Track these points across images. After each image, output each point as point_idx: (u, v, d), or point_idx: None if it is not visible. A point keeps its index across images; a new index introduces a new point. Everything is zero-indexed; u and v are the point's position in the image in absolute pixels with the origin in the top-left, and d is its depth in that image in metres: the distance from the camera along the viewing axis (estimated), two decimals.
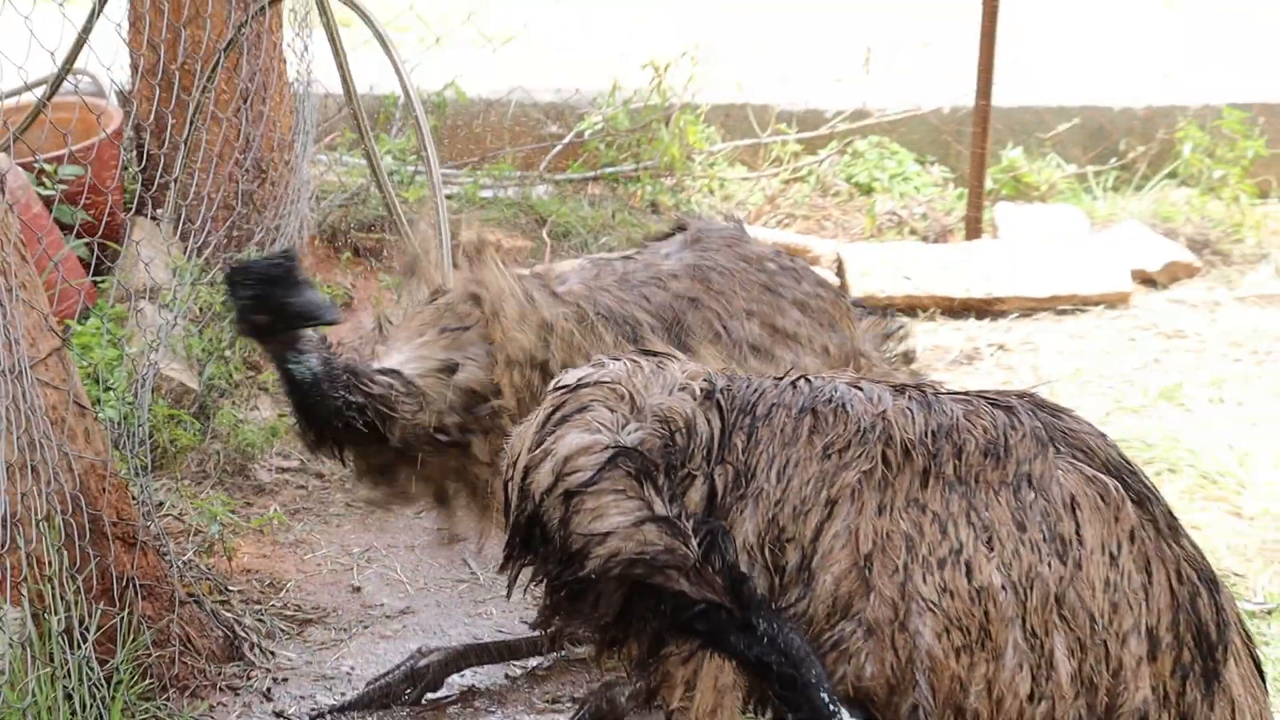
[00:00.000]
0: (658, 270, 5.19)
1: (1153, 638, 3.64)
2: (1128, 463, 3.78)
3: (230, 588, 5.77)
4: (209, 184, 7.04)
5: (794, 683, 3.50)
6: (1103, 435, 3.81)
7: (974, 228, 8.71)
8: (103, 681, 4.86)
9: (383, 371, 4.84)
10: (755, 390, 3.79)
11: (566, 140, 9.30)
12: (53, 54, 5.50)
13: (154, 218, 7.19)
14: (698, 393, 3.77)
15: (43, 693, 4.62)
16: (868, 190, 9.17)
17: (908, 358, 5.58)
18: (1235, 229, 8.86)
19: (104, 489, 5.12)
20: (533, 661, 5.49)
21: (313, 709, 5.25)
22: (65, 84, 6.70)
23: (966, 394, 3.82)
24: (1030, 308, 8.09)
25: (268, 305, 4.58)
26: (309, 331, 4.70)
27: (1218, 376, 7.35)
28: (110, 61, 6.76)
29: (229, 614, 5.54)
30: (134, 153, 7.54)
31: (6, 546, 4.65)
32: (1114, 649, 3.61)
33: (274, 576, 5.92)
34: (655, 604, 3.61)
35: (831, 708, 3.49)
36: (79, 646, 4.79)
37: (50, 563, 4.78)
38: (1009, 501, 3.63)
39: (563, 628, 3.83)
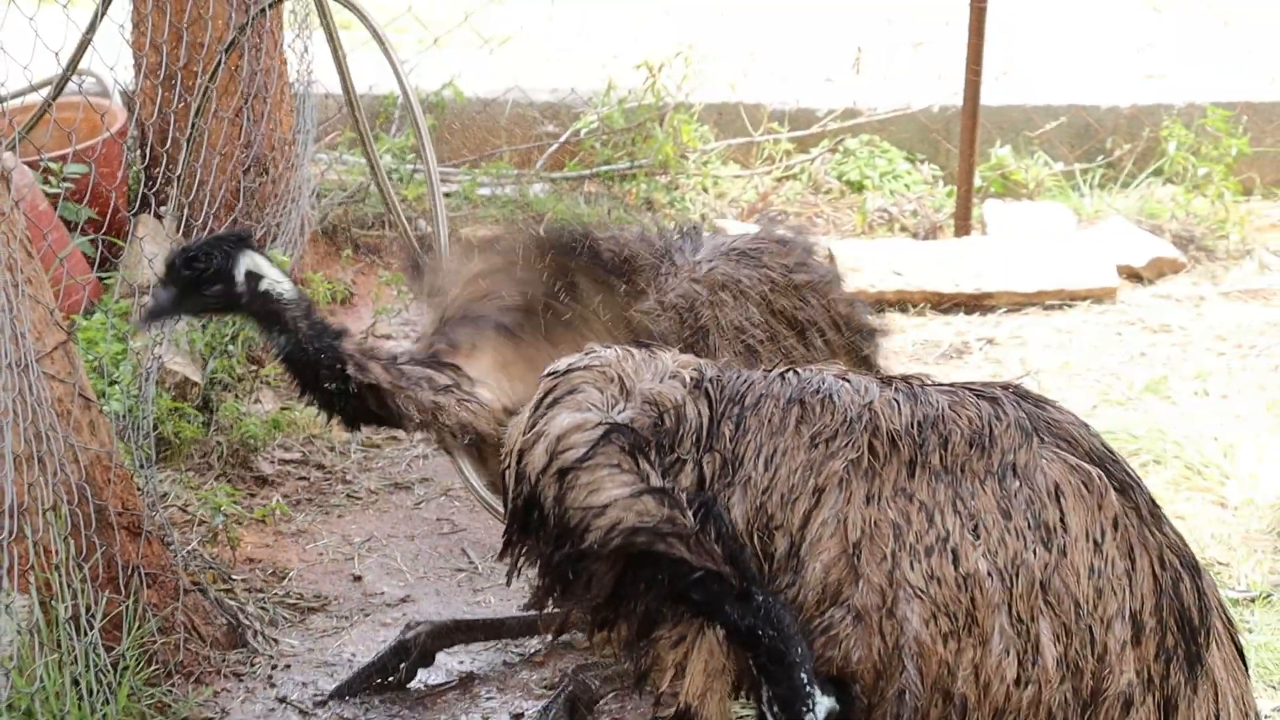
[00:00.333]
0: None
1: (1136, 623, 3.71)
2: (1110, 452, 3.86)
3: (234, 577, 5.85)
4: (211, 182, 7.11)
5: (780, 658, 3.58)
6: (1085, 425, 3.89)
7: (963, 224, 8.78)
8: (109, 667, 4.93)
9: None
10: (745, 381, 3.87)
11: (563, 139, 9.36)
12: (57, 54, 5.55)
13: (157, 215, 7.26)
14: (688, 381, 3.84)
15: (50, 678, 4.69)
16: (859, 188, 9.23)
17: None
18: (1220, 225, 8.92)
19: (109, 480, 5.20)
20: (530, 646, 5.57)
21: (316, 694, 5.34)
22: (70, 84, 6.76)
23: (952, 386, 3.90)
24: (1019, 303, 8.15)
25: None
26: (289, 306, 4.78)
27: (1202, 370, 7.42)
28: (114, 62, 6.83)
29: (233, 602, 5.62)
30: (138, 151, 7.61)
31: (14, 536, 4.71)
32: (1098, 634, 3.69)
33: (277, 566, 6.00)
34: (652, 574, 3.68)
35: (808, 688, 3.57)
36: (86, 633, 4.86)
37: (57, 552, 4.85)
38: (994, 490, 3.71)
39: (555, 609, 3.91)
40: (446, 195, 8.54)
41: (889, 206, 9.08)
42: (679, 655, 3.79)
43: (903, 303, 8.13)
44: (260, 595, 5.80)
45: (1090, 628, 3.68)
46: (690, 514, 3.65)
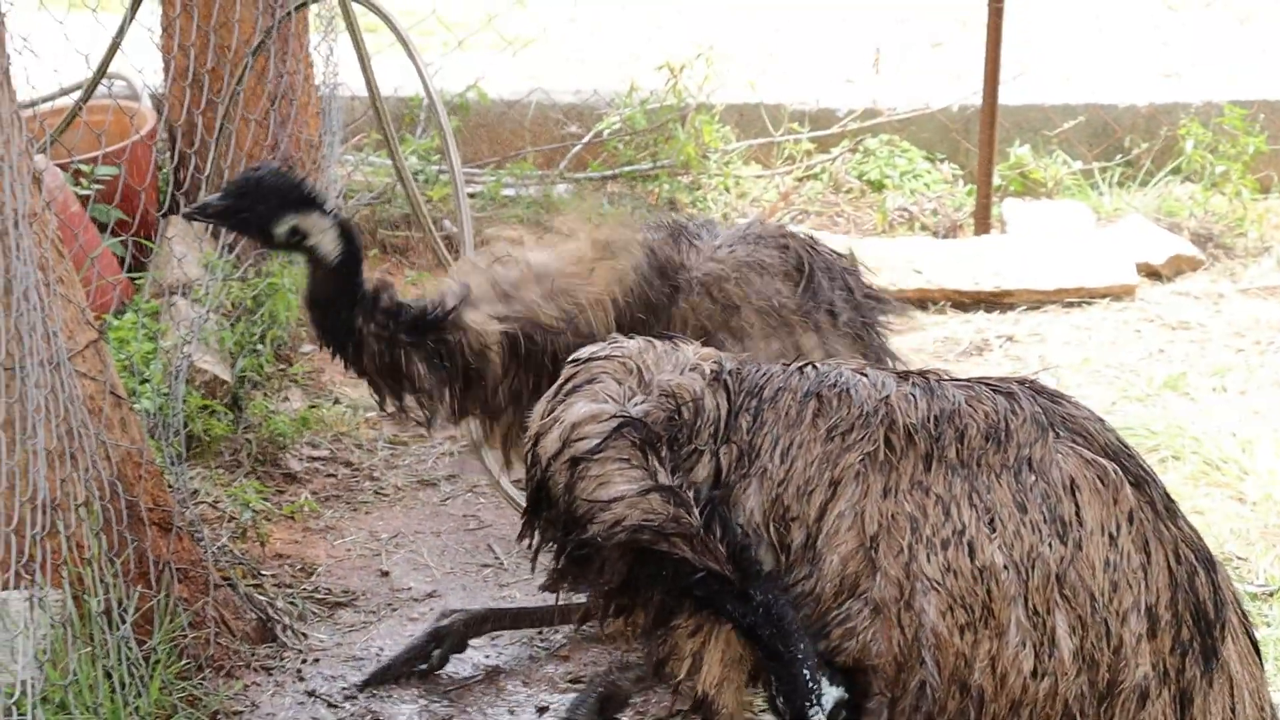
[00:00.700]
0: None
1: (1152, 616, 3.74)
2: (1126, 447, 3.88)
3: (263, 572, 5.91)
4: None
5: (779, 655, 3.63)
6: (1101, 420, 3.91)
7: (983, 223, 8.82)
8: (141, 661, 4.99)
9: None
10: (763, 374, 3.90)
11: (586, 140, 9.41)
12: (86, 58, 5.61)
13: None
14: (707, 373, 3.89)
15: (83, 671, 4.74)
16: (879, 187, 9.27)
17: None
18: (1238, 223, 8.96)
19: (140, 476, 5.26)
20: (556, 640, 5.64)
21: (344, 688, 5.40)
22: (100, 87, 6.84)
23: (969, 381, 3.92)
24: (1038, 300, 8.19)
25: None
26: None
27: (1221, 366, 7.46)
28: (142, 65, 6.91)
29: (262, 597, 5.68)
30: (168, 153, 7.69)
31: (47, 531, 4.77)
32: (1114, 627, 3.71)
33: (305, 561, 6.07)
34: (658, 569, 3.74)
35: (812, 684, 3.62)
36: (118, 627, 4.92)
37: (89, 547, 4.92)
38: (1010, 484, 3.74)
39: (570, 591, 3.97)
40: (471, 196, 8.61)
41: (909, 205, 9.12)
42: (696, 644, 3.84)
43: (923, 301, 8.17)
44: (289, 590, 5.86)
45: (1106, 621, 3.71)
46: (696, 512, 3.70)
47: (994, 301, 8.19)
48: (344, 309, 4.97)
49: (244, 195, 4.91)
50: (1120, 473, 3.81)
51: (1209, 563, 3.87)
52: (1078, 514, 3.75)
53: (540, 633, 5.69)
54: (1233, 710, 3.85)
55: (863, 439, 3.77)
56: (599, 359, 3.93)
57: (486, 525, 6.35)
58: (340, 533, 6.29)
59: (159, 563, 5.23)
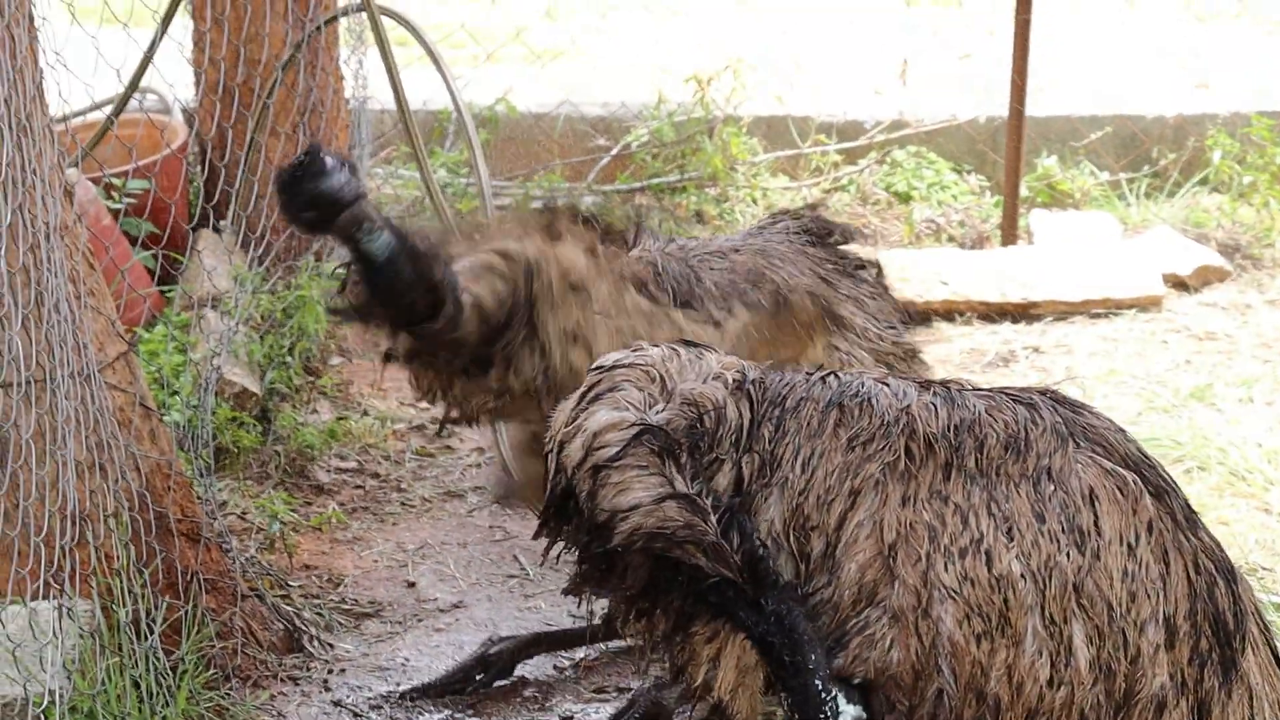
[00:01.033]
0: (718, 246, 5.42)
1: (1170, 626, 3.74)
2: (1146, 457, 3.89)
3: (290, 583, 5.94)
4: (269, 196, 7.24)
5: (790, 665, 3.65)
6: (1122, 430, 3.92)
7: (1009, 234, 8.82)
8: (168, 671, 5.02)
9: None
10: (786, 383, 3.91)
11: (614, 152, 9.44)
12: (118, 71, 5.66)
13: (216, 228, 7.40)
14: (730, 382, 3.90)
15: (112, 681, 4.80)
16: (906, 199, 9.29)
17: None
18: (1265, 234, 8.94)
19: (169, 487, 5.30)
20: (579, 652, 5.68)
21: (370, 698, 5.43)
22: (132, 101, 6.90)
23: (990, 390, 3.93)
24: (1065, 311, 8.20)
25: (302, 201, 4.82)
26: (370, 215, 4.87)
27: (1247, 377, 7.45)
28: (174, 79, 6.98)
29: (289, 608, 5.71)
30: (198, 167, 7.75)
31: (76, 541, 4.84)
32: (1132, 637, 3.72)
33: (332, 572, 6.11)
34: (674, 576, 3.76)
35: (823, 694, 3.64)
36: (146, 637, 4.96)
37: (118, 557, 4.97)
38: (1029, 494, 3.75)
39: (592, 595, 4.00)
40: (500, 208, 8.65)
41: (936, 217, 9.13)
42: (713, 650, 3.85)
43: (949, 312, 8.19)
44: (316, 601, 5.90)
45: (1123, 630, 3.72)
46: (713, 520, 3.71)
47: (1020, 313, 8.20)
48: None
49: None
50: (1140, 483, 3.81)
51: (1229, 574, 3.87)
52: (1096, 524, 3.75)
53: None
54: None
55: (883, 448, 3.79)
56: (622, 366, 3.95)
57: (513, 536, 6.38)
58: (367, 544, 6.33)
59: (187, 573, 5.28)
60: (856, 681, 3.71)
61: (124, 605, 4.93)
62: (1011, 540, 3.73)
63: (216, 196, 7.30)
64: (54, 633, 4.72)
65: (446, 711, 5.39)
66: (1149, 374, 7.55)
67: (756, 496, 3.80)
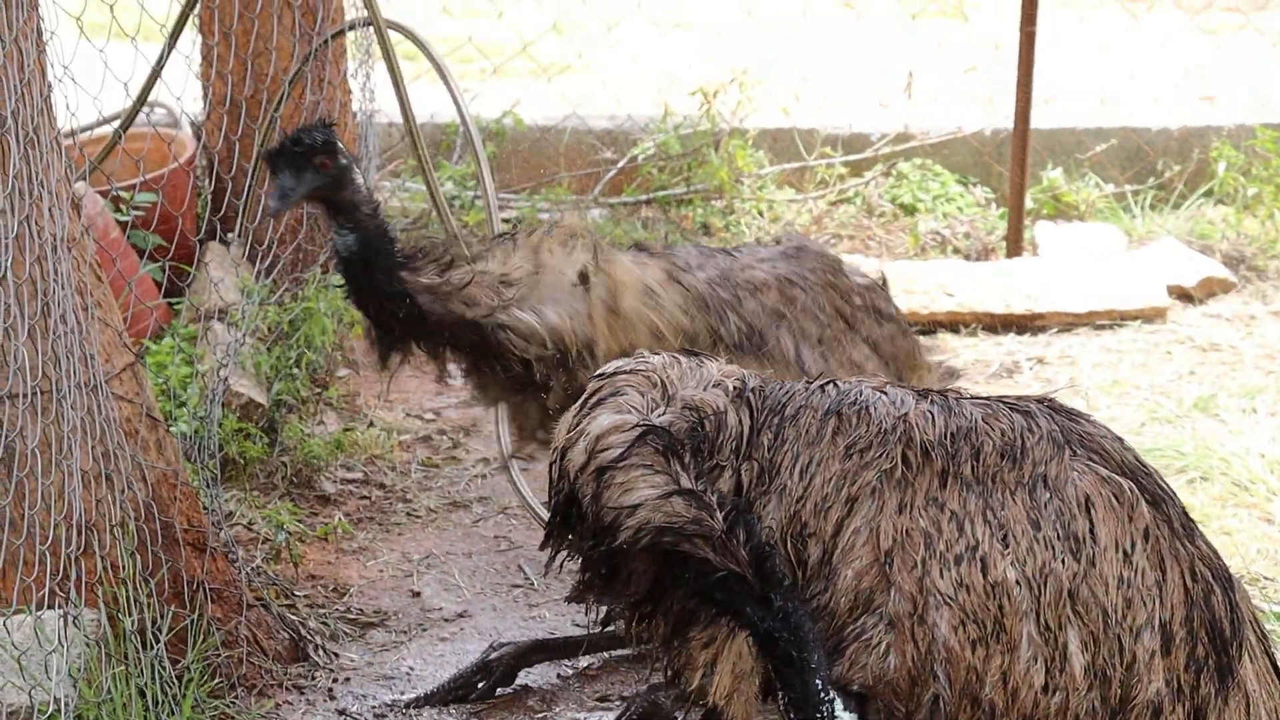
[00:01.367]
0: (752, 275, 5.50)
1: (1166, 632, 3.77)
2: (1143, 465, 3.91)
3: (296, 592, 5.98)
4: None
5: (793, 662, 3.67)
6: (1119, 439, 3.94)
7: (1015, 246, 8.85)
8: (174, 679, 5.05)
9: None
10: (786, 392, 3.96)
11: (620, 165, 9.48)
12: (126, 85, 5.69)
13: (223, 241, 7.45)
14: (730, 389, 3.94)
15: (117, 689, 4.83)
16: (911, 211, 9.31)
17: None
18: (1270, 245, 8.95)
19: (175, 497, 5.33)
20: (583, 661, 5.71)
21: (374, 706, 5.46)
22: (140, 115, 6.94)
23: (987, 399, 3.97)
24: (1069, 323, 8.22)
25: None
26: (360, 206, 5.34)
27: (1251, 388, 7.46)
28: (182, 93, 7.01)
29: (294, 617, 5.74)
30: (207, 180, 7.80)
31: (82, 550, 4.88)
32: (1127, 643, 3.74)
33: (338, 582, 6.14)
34: (681, 572, 3.79)
35: (823, 694, 3.66)
36: (152, 646, 4.99)
37: (124, 566, 5.00)
38: (1024, 501, 3.78)
39: (596, 602, 4.03)
40: (507, 221, 8.69)
41: (941, 229, 9.15)
42: (709, 656, 3.88)
43: (954, 323, 8.22)
44: (321, 610, 5.93)
45: (1119, 637, 3.74)
46: (719, 516, 3.74)
47: (1025, 324, 8.23)
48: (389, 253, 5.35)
49: (303, 131, 5.34)
50: (1136, 490, 3.84)
51: (1226, 581, 3.89)
52: (1092, 531, 3.78)
53: None
54: None
55: (880, 456, 3.82)
56: (623, 373, 3.99)
57: (517, 546, 6.41)
58: (373, 554, 6.36)
59: (193, 582, 5.30)
60: (854, 689, 3.74)
61: (130, 614, 4.96)
62: (1007, 547, 3.75)
63: (224, 209, 7.34)
64: (60, 641, 4.75)
65: (450, 718, 5.43)
66: (1153, 385, 7.56)
67: (755, 504, 3.83)
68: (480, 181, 6.58)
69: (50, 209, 4.73)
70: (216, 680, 5.28)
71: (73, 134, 5.93)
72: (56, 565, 4.80)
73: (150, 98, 6.95)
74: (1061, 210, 9.37)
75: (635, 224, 9.05)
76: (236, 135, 7.31)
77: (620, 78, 10.14)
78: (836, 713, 3.67)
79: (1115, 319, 8.25)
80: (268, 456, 6.69)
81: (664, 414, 3.88)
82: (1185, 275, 8.54)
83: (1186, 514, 3.93)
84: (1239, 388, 7.49)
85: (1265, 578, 6.07)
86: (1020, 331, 8.20)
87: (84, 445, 4.86)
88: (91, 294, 5.06)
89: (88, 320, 4.95)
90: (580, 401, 3.98)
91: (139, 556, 5.07)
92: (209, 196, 7.68)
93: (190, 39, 7.11)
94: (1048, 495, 3.80)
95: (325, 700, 5.49)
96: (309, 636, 5.70)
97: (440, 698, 5.48)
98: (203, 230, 7.35)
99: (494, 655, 5.53)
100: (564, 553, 4.01)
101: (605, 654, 5.69)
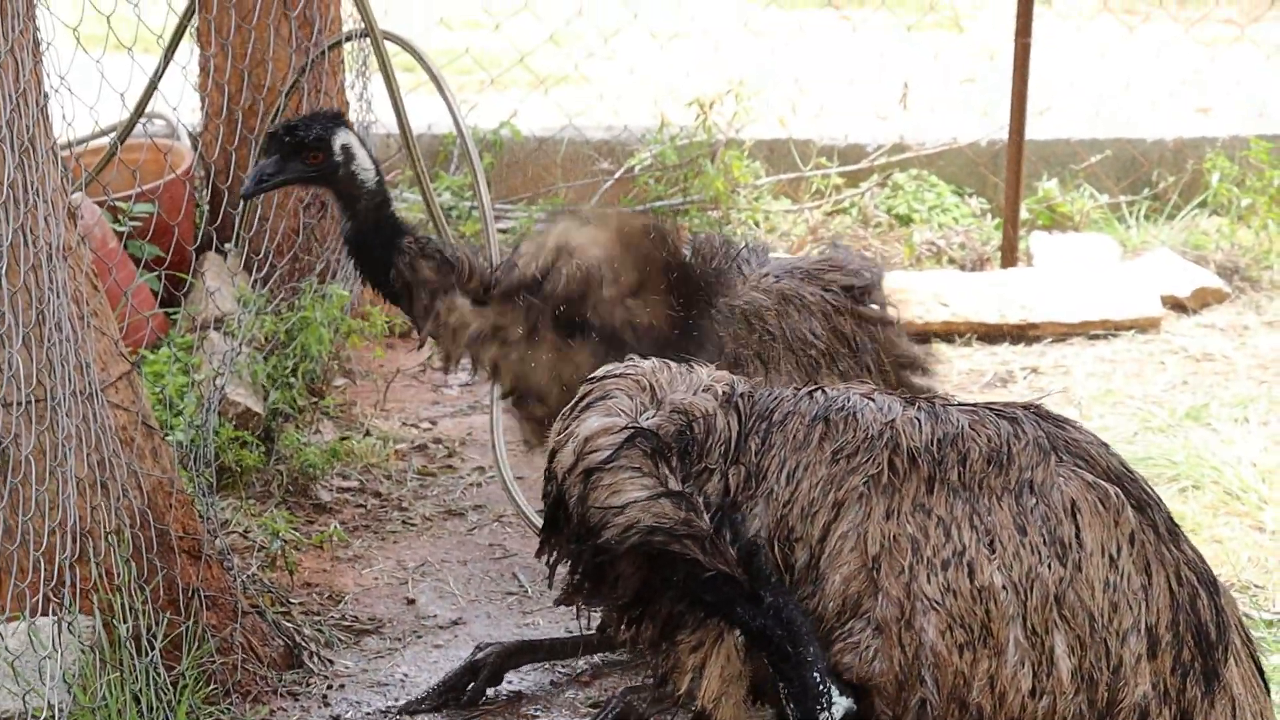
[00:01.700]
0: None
1: (1152, 636, 3.79)
2: (1129, 471, 3.94)
3: (291, 600, 6.00)
4: (272, 219, 7.31)
5: (789, 657, 3.70)
6: (1105, 445, 3.97)
7: (1009, 256, 8.87)
8: (169, 685, 5.08)
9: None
10: (774, 398, 3.98)
11: (617, 175, 9.50)
12: (122, 96, 5.72)
13: (220, 251, 7.48)
14: (720, 394, 3.97)
15: (112, 695, 4.86)
16: (907, 221, 9.33)
17: None
18: (1264, 256, 8.98)
19: (171, 505, 5.35)
20: (578, 666, 5.74)
21: (368, 713, 5.49)
22: (138, 127, 6.97)
23: (974, 406, 3.99)
24: (1063, 333, 8.25)
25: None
26: (359, 200, 5.46)
27: (1243, 397, 7.49)
28: (179, 103, 7.04)
29: (290, 624, 5.76)
30: (204, 190, 7.83)
31: (77, 557, 4.91)
32: (1114, 647, 3.77)
33: (333, 590, 6.16)
34: (669, 574, 3.82)
35: (822, 687, 3.70)
36: (147, 652, 5.02)
37: (119, 573, 5.03)
38: (1011, 506, 3.80)
39: (585, 605, 4.06)
40: (504, 231, 8.72)
41: (937, 239, 9.18)
42: (698, 659, 3.91)
43: (949, 333, 8.24)
44: (316, 618, 5.95)
45: (1105, 640, 3.77)
46: (706, 517, 3.78)
47: (1020, 334, 8.26)
48: (387, 237, 5.44)
49: (302, 122, 5.45)
50: (1122, 496, 3.86)
51: (1212, 585, 3.91)
52: (1078, 536, 3.80)
53: None
54: None
55: (867, 462, 3.84)
56: (613, 377, 4.02)
57: (512, 554, 6.44)
58: (368, 562, 6.39)
59: (188, 590, 5.33)
60: (844, 678, 3.77)
61: (125, 621, 4.99)
62: (993, 552, 3.78)
63: (220, 219, 7.37)
64: (54, 647, 4.77)
65: None
66: (1146, 394, 7.59)
67: (743, 507, 3.85)
68: (477, 192, 6.61)
69: (46, 218, 4.76)
70: (211, 686, 5.30)
71: (69, 145, 5.96)
72: (51, 571, 4.83)
73: (148, 109, 6.98)
74: (1056, 221, 9.40)
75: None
76: (233, 145, 7.35)
77: (617, 89, 10.17)
78: (834, 699, 3.69)
79: (1109, 329, 8.28)
80: (264, 465, 6.71)
81: (652, 417, 3.91)
82: (1179, 285, 8.56)
83: (1171, 519, 3.95)
84: (1231, 397, 7.52)
85: (1255, 585, 6.11)
86: (1015, 341, 8.23)
87: (79, 452, 4.89)
88: (88, 303, 5.09)
89: (83, 329, 4.98)
90: (571, 404, 4.02)
91: (134, 563, 5.10)
92: (206, 207, 7.71)
93: (188, 49, 7.14)
94: (1034, 500, 3.82)
95: (320, 707, 5.51)
96: (304, 643, 5.72)
97: (431, 702, 5.50)
98: (199, 240, 7.38)
99: (480, 655, 5.56)
100: (557, 554, 4.04)
101: (596, 658, 5.71)
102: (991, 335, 8.26)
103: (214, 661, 5.34)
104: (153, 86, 6.64)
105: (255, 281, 6.99)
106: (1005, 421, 3.93)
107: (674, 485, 3.81)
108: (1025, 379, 7.84)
